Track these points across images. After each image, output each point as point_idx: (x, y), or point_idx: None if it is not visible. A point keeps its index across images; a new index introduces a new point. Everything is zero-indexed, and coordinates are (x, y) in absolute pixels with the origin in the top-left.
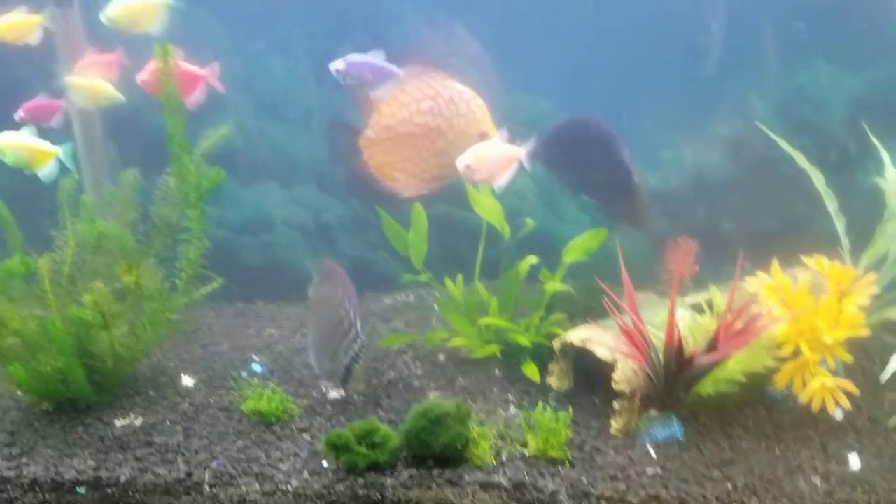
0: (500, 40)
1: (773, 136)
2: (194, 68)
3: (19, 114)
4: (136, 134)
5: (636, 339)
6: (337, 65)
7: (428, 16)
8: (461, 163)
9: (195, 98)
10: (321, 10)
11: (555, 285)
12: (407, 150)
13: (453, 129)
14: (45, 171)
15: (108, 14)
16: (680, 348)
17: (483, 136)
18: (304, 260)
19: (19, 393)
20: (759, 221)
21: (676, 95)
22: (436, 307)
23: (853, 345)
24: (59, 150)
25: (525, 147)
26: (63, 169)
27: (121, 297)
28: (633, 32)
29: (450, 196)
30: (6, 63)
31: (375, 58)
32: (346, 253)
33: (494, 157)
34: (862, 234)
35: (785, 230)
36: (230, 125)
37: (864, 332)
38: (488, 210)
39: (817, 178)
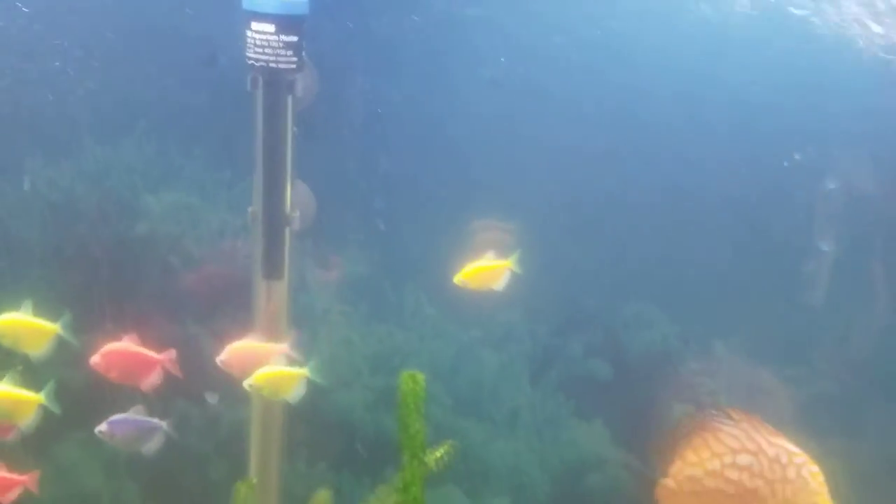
0: None
1: None
2: (150, 352)
3: None
4: (312, 416)
5: None
6: (100, 427)
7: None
8: None
9: (150, 381)
10: (546, 304)
11: None
12: None
13: (775, 496)
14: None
15: None
16: None
17: None
18: None
19: None
20: None
21: None
22: None
23: None
24: (42, 397)
25: None
26: None
27: None
28: None
29: None
30: None
31: (137, 414)
32: None
33: None
34: None
35: None
36: (449, 446)
37: None
38: None
39: None
